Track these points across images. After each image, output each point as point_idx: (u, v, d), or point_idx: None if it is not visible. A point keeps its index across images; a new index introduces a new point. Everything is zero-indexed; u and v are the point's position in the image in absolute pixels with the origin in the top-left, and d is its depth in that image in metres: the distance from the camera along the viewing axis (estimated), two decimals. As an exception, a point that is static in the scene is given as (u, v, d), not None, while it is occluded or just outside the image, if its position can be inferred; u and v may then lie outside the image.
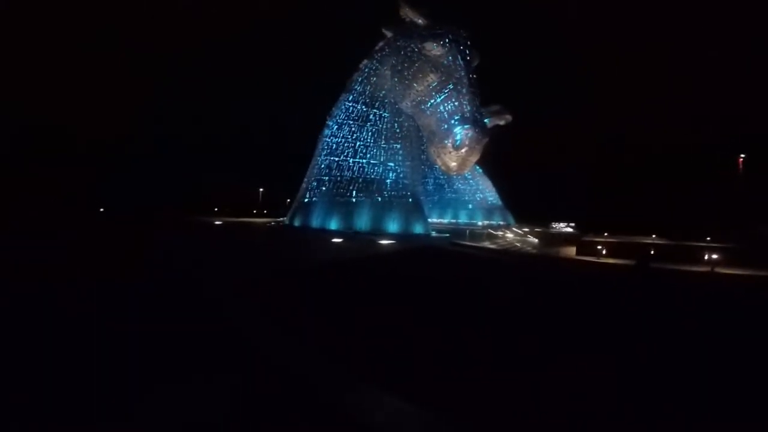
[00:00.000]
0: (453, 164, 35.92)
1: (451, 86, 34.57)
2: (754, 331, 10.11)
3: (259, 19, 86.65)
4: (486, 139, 35.12)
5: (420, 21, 36.58)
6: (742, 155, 51.07)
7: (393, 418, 5.25)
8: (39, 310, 8.99)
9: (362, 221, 39.72)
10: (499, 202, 56.30)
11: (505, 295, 13.86)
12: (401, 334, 8.71)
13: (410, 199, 40.88)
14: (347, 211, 40.36)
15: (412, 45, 36.37)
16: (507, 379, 6.48)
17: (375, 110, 41.28)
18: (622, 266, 22.06)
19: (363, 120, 41.56)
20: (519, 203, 60.48)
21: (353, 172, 41.27)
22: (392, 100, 40.16)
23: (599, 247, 32.98)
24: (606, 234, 49.15)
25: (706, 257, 30.00)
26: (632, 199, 66.22)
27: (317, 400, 5.50)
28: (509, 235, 40.62)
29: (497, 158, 57.13)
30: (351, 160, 41.55)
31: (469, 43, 35.95)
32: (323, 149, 43.16)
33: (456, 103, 34.44)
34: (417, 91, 36.45)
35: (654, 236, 47.96)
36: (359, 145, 41.45)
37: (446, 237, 38.41)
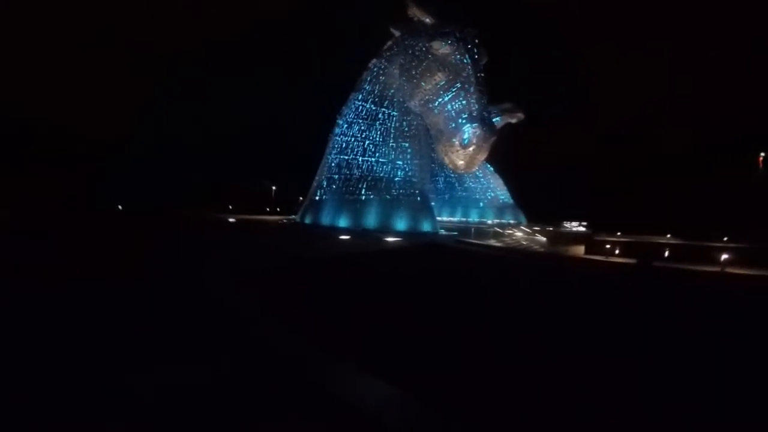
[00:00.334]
0: (461, 162, 36.06)
1: (458, 85, 34.72)
2: (757, 332, 9.94)
3: (259, 19, 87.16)
4: (494, 138, 35.17)
5: (428, 20, 36.77)
6: (762, 153, 49.69)
7: (366, 392, 5.61)
8: (42, 310, 9.00)
9: (371, 219, 40.16)
10: (511, 201, 55.96)
11: (503, 291, 13.97)
12: (395, 327, 8.92)
13: (418, 198, 41.11)
14: (356, 209, 40.87)
15: (420, 44, 36.60)
16: (493, 374, 6.50)
17: (384, 109, 41.64)
18: (625, 265, 21.86)
19: (372, 119, 41.98)
20: (532, 202, 59.95)
21: (362, 171, 41.74)
22: (401, 99, 40.46)
23: (608, 246, 32.56)
24: (619, 233, 48.41)
25: (719, 257, 29.42)
26: (648, 199, 64.96)
27: (305, 380, 5.87)
28: (518, 233, 40.44)
29: (509, 156, 56.99)
30: (360, 159, 42.02)
31: (476, 41, 35.98)
32: (333, 148, 43.76)
33: (464, 102, 34.57)
34: (425, 89, 36.68)
35: (669, 236, 47.01)
36: (368, 144, 41.89)
37: (454, 235, 38.52)
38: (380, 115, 41.76)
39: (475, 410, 5.29)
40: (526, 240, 37.59)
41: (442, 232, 40.81)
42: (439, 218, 48.20)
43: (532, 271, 20.31)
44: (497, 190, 55.55)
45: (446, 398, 5.57)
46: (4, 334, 7.46)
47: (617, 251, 32.81)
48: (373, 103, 42.01)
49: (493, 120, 49.37)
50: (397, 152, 41.41)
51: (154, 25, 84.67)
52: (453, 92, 34.97)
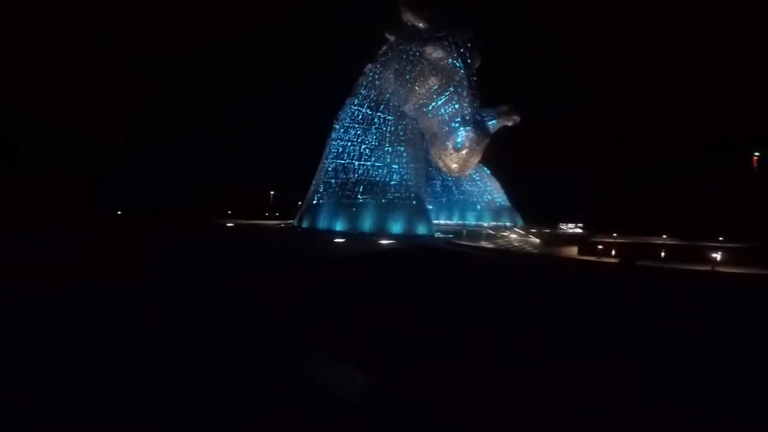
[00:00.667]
0: (454, 166, 36.45)
1: (451, 89, 35.19)
2: (746, 330, 9.81)
3: (259, 19, 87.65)
4: (487, 141, 35.55)
5: (421, 24, 37.28)
6: (757, 154, 49.84)
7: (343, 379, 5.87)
8: (42, 310, 9.04)
9: (367, 222, 40.56)
10: (508, 203, 56.16)
11: (489, 291, 14.21)
12: (386, 326, 9.11)
13: (414, 201, 41.48)
14: (352, 212, 41.29)
15: (414, 48, 37.13)
16: (481, 373, 6.54)
17: (380, 114, 42.15)
18: (610, 265, 22.13)
19: (368, 123, 42.49)
20: (529, 204, 60.16)
21: (359, 175, 42.20)
22: (396, 104, 40.95)
23: (601, 247, 32.87)
24: (615, 234, 48.64)
25: (712, 257, 29.61)
26: (646, 200, 65.15)
27: (304, 378, 6.05)
28: (512, 235, 40.72)
29: (507, 159, 57.24)
30: (356, 163, 42.49)
31: (469, 45, 36.45)
32: (330, 152, 44.25)
33: (457, 106, 35.03)
34: (419, 93, 37.19)
35: (665, 236, 47.21)
36: (364, 148, 42.37)
37: (450, 237, 38.81)
38: (376, 120, 42.26)
39: (466, 406, 5.30)
40: (519, 242, 37.86)
41: (438, 234, 41.13)
42: (436, 221, 48.49)
43: (518, 271, 20.54)
44: (494, 192, 55.79)
45: (433, 392, 5.65)
46: (4, 334, 7.48)
47: (613, 252, 33.17)
48: (369, 107, 42.54)
49: (489, 123, 49.83)
50: (393, 156, 41.86)
51: (154, 25, 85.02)
52: (446, 96, 35.43)
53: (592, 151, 77.43)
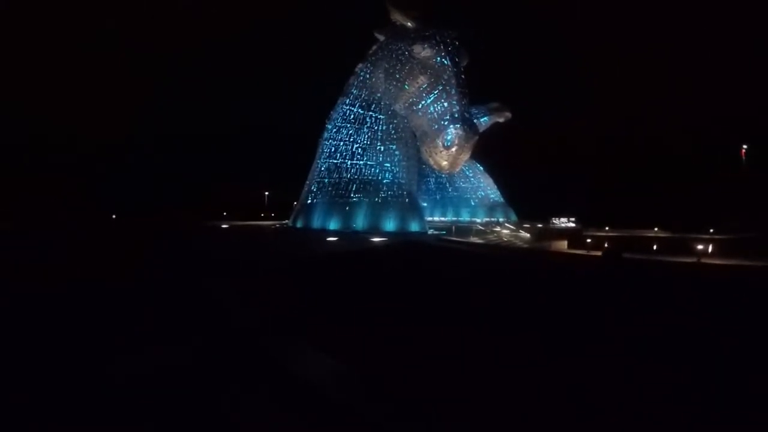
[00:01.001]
0: (444, 163, 36.82)
1: (440, 87, 35.53)
2: (728, 321, 9.77)
3: (259, 19, 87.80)
4: (476, 138, 35.89)
5: (410, 24, 37.60)
6: (745, 146, 50.25)
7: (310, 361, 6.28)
8: (42, 310, 9.16)
9: (360, 221, 40.99)
10: (501, 199, 56.59)
11: (472, 284, 14.55)
12: (355, 308, 9.62)
13: (407, 199, 41.89)
14: (346, 211, 41.73)
15: (402, 48, 37.46)
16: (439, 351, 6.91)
17: (371, 113, 42.53)
18: (595, 257, 22.48)
19: (360, 123, 42.87)
20: (523, 200, 60.61)
21: (351, 174, 42.61)
22: (387, 103, 41.34)
23: (590, 240, 33.22)
24: (607, 228, 49.07)
25: (698, 248, 30.03)
26: (638, 196, 65.72)
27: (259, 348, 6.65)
28: (504, 231, 41.11)
29: (502, 156, 57.66)
30: (349, 162, 42.89)
31: (457, 43, 36.80)
32: (323, 152, 44.63)
33: (445, 104, 35.37)
34: (408, 92, 37.57)
35: (656, 229, 47.67)
36: (357, 148, 42.77)
37: (443, 234, 39.23)
38: (368, 119, 42.65)
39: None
40: (510, 237, 38.25)
41: (432, 231, 41.53)
42: (430, 218, 48.95)
43: (504, 265, 20.90)
44: (488, 189, 56.20)
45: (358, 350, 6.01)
46: (4, 334, 7.52)
47: (606, 245, 33.53)
48: (360, 107, 42.91)
49: (481, 120, 50.27)
50: (385, 155, 42.26)
51: (154, 25, 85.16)
52: (435, 94, 35.80)
53: (588, 149, 78.02)
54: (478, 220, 50.13)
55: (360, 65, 43.32)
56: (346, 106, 43.62)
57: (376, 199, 41.43)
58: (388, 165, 42.17)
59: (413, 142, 42.88)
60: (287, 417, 4.83)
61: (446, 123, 35.11)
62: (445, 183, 55.36)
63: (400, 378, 5.79)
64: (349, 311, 10.08)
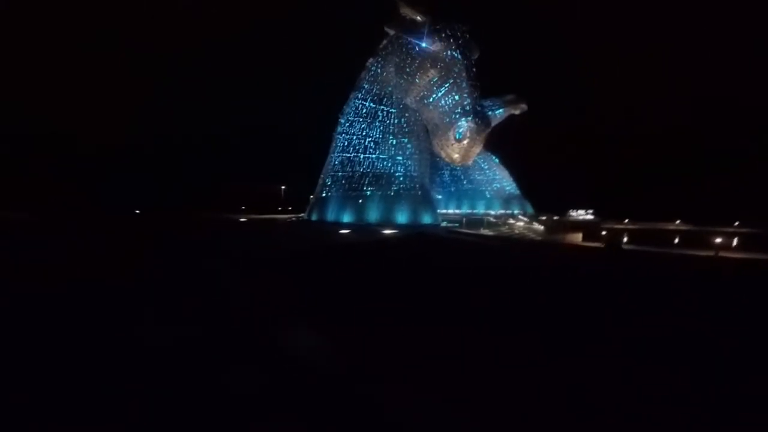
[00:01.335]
0: (456, 156, 36.75)
1: (451, 80, 35.37)
2: (736, 315, 9.62)
3: (259, 19, 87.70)
4: (487, 131, 35.67)
5: (419, 18, 37.43)
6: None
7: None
8: (42, 310, 9.15)
9: (373, 214, 41.46)
10: (517, 191, 55.94)
11: (478, 274, 14.66)
12: (358, 297, 10.00)
13: (419, 192, 42.04)
14: (359, 204, 42.27)
15: (413, 42, 37.35)
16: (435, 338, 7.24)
17: (383, 107, 42.73)
18: (597, 249, 22.23)
19: (372, 117, 43.16)
20: (541, 192, 59.67)
21: (364, 167, 43.05)
22: (398, 97, 41.42)
23: (604, 233, 32.77)
24: (626, 221, 47.99)
25: (716, 242, 29.19)
26: (662, 186, 63.85)
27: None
28: (518, 223, 40.78)
29: (521, 149, 56.84)
30: (362, 156, 43.32)
31: (467, 36, 36.46)
32: (336, 146, 45.21)
33: (456, 97, 35.21)
34: (419, 86, 37.53)
35: (678, 222, 46.37)
36: (369, 141, 43.13)
37: (455, 226, 39.28)
38: (379, 113, 42.87)
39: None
40: (523, 229, 37.98)
41: (445, 224, 41.61)
42: (444, 211, 48.97)
43: (510, 257, 20.87)
44: (503, 181, 55.63)
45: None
46: (4, 334, 7.54)
47: (624, 238, 32.92)
48: (372, 101, 43.15)
49: (496, 112, 49.67)
50: (397, 148, 42.46)
51: (154, 25, 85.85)
52: (446, 88, 35.67)
53: (609, 144, 76.11)
54: (492, 213, 49.82)
55: (371, 60, 43.50)
56: (359, 100, 43.94)
57: (389, 192, 41.76)
58: (401, 158, 42.36)
59: (425, 136, 42.88)
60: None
61: (457, 116, 34.98)
62: (460, 175, 55.08)
63: (400, 378, 5.82)
64: (348, 308, 10.24)
